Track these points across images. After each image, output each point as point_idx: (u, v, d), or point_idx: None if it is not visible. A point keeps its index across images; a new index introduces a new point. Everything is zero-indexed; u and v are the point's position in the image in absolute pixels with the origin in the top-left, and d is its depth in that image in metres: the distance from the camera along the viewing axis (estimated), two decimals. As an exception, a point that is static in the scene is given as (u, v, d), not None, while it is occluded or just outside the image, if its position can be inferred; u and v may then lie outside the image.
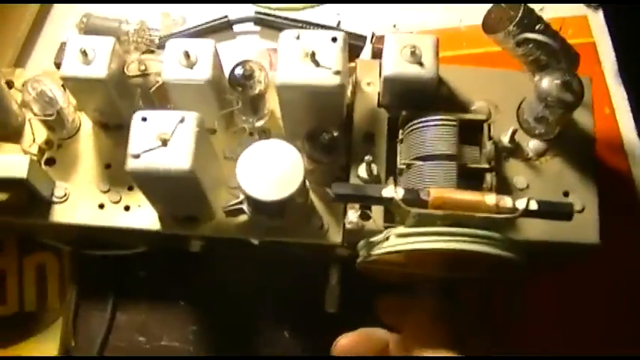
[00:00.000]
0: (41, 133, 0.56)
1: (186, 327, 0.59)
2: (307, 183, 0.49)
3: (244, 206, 0.50)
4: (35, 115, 0.53)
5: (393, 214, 0.49)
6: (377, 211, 0.49)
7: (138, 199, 0.54)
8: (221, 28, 0.68)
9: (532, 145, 0.51)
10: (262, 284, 0.60)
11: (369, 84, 0.52)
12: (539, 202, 0.42)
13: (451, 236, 0.40)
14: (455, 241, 0.40)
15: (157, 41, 0.67)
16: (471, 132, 0.50)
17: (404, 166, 0.48)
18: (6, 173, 0.50)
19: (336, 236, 0.52)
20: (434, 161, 0.47)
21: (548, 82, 0.47)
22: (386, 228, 0.49)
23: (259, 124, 0.55)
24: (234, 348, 0.60)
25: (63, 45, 0.64)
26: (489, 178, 0.48)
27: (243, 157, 0.47)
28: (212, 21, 0.68)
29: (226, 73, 0.51)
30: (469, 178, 0.48)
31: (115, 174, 0.55)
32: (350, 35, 0.58)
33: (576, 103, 0.47)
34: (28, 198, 0.52)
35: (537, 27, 0.51)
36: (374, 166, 0.49)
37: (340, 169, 0.52)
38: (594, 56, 0.67)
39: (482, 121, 0.50)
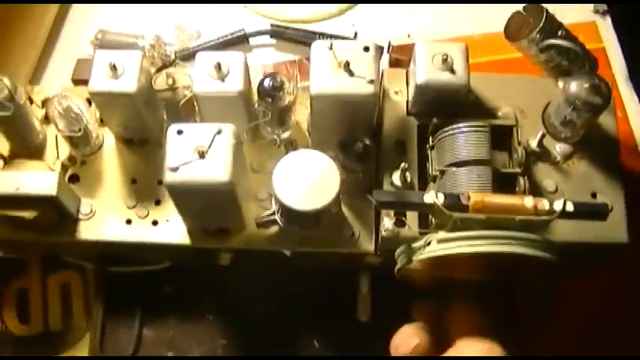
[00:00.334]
0: (63, 150, 0.56)
1: (215, 341, 0.59)
2: (339, 192, 0.50)
3: (277, 217, 0.50)
4: (60, 131, 0.53)
5: (427, 220, 0.50)
6: (412, 218, 0.49)
7: (166, 213, 0.53)
8: (237, 42, 0.68)
9: (559, 148, 0.52)
10: (286, 295, 0.60)
11: (396, 92, 0.53)
12: (574, 204, 0.43)
13: (497, 239, 0.40)
14: (501, 244, 0.40)
15: (172, 56, 0.67)
16: (498, 137, 0.50)
17: (437, 173, 0.49)
18: (35, 190, 0.49)
19: (368, 244, 0.52)
20: (469, 167, 0.47)
21: (577, 86, 0.48)
22: (420, 234, 0.49)
23: (285, 135, 0.55)
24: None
25: (80, 61, 0.64)
26: (522, 181, 0.48)
27: (279, 168, 0.47)
28: (229, 34, 0.68)
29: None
30: (501, 183, 0.48)
31: (142, 189, 0.55)
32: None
33: (604, 106, 0.48)
34: (56, 215, 0.52)
35: (559, 33, 0.52)
36: (408, 174, 0.49)
37: (369, 178, 0.52)
38: (605, 61, 0.68)
39: (511, 127, 0.51)
